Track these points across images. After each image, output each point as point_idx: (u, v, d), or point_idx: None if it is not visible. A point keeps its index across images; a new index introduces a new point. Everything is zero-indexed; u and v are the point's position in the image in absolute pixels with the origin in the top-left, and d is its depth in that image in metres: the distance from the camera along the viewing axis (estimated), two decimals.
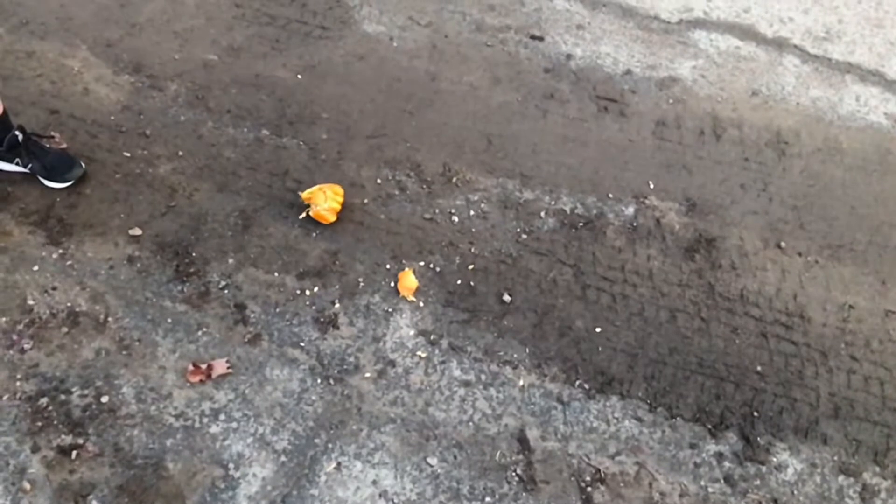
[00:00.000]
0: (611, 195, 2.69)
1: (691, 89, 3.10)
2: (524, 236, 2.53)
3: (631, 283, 2.45)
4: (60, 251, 2.32)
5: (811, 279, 2.52)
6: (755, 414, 2.20)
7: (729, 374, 2.28)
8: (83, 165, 2.49)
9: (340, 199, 2.46)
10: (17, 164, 2.42)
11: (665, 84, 3.10)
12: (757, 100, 3.08)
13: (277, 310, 2.27)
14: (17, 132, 2.37)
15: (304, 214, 2.46)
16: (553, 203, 2.64)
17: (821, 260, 2.58)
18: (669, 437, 2.14)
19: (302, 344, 2.20)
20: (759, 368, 2.30)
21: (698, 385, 2.25)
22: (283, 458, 1.98)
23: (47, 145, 2.48)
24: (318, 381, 2.14)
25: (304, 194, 2.43)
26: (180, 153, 2.61)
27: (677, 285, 2.47)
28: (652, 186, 2.74)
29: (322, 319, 2.26)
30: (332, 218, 2.45)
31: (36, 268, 2.28)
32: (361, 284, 2.36)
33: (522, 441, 2.09)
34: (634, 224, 2.61)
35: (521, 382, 2.20)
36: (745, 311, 2.43)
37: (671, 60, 3.21)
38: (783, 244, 2.61)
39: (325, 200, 2.41)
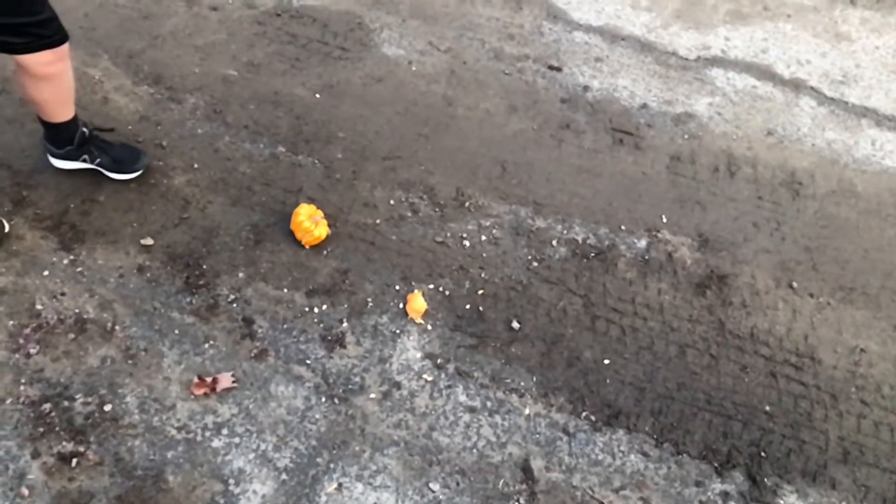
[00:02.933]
0: (623, 227, 2.68)
1: (707, 126, 3.11)
2: (535, 264, 2.53)
3: (641, 317, 2.43)
4: (71, 257, 2.32)
5: (822, 321, 2.50)
6: (763, 454, 2.18)
7: (737, 413, 2.25)
8: (147, 155, 2.57)
9: (301, 219, 2.41)
10: (85, 160, 2.46)
11: (681, 119, 3.11)
12: (772, 139, 3.08)
13: (285, 326, 2.26)
14: (84, 129, 2.41)
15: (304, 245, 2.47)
16: (565, 232, 2.63)
17: (833, 302, 2.56)
18: (675, 474, 2.11)
19: (308, 361, 2.19)
20: (767, 408, 2.27)
21: (706, 422, 2.23)
22: (284, 476, 1.96)
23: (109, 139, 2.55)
24: (323, 399, 2.12)
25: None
26: (196, 165, 2.62)
27: (687, 320, 2.45)
28: (665, 220, 2.73)
29: (329, 338, 2.25)
30: (323, 230, 2.42)
31: (46, 273, 2.27)
32: (370, 304, 2.35)
33: (526, 471, 2.06)
34: (646, 257, 2.60)
35: (526, 411, 2.18)
36: (754, 350, 2.41)
37: (688, 96, 3.22)
38: (795, 284, 2.60)
39: (300, 231, 2.41)
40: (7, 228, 2.31)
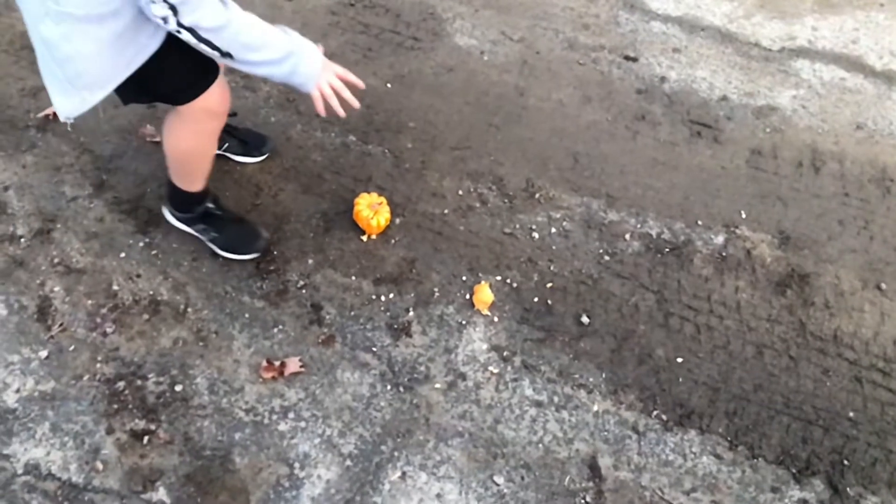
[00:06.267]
0: (700, 222, 2.59)
1: (790, 119, 2.97)
2: (606, 258, 2.46)
3: (717, 315, 2.34)
4: (147, 240, 2.37)
5: None
6: (845, 462, 2.06)
7: (818, 418, 2.15)
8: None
9: (360, 208, 2.41)
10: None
11: (763, 112, 2.99)
12: (861, 134, 2.93)
13: (352, 313, 2.26)
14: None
15: (366, 237, 2.45)
16: (639, 226, 2.56)
17: None
18: (750, 478, 2.02)
19: (374, 349, 2.18)
20: (851, 415, 2.16)
21: (783, 426, 2.13)
22: (348, 462, 1.95)
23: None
24: (388, 387, 2.11)
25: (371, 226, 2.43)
26: (268, 153, 2.65)
27: (766, 320, 2.35)
28: (744, 216, 2.63)
29: (395, 326, 2.24)
30: (384, 218, 2.41)
31: (123, 255, 2.33)
32: (436, 294, 2.33)
33: (594, 468, 2.01)
34: (723, 254, 2.51)
35: (595, 408, 2.12)
36: (838, 353, 2.29)
37: (770, 89, 3.09)
38: (884, 286, 2.46)
39: (362, 221, 2.41)
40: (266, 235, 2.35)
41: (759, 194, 2.71)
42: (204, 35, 1.64)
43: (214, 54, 1.69)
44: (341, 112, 1.90)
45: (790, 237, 2.58)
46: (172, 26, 1.61)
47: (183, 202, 2.27)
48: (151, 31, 1.70)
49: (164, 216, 2.37)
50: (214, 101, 1.89)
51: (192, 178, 2.18)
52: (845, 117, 2.99)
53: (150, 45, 1.72)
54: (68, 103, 1.73)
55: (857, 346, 2.31)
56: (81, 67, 1.67)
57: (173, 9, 1.56)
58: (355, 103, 1.92)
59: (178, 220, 2.34)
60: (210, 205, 2.30)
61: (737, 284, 2.43)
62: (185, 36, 1.63)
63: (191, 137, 2.01)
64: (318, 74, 1.83)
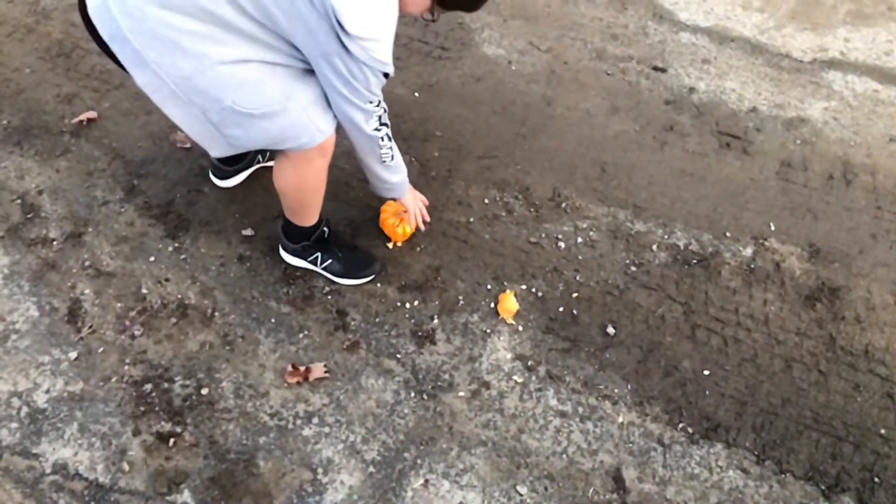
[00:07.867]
0: (728, 234, 2.57)
1: (821, 131, 2.94)
2: (633, 268, 2.45)
3: (745, 327, 2.32)
4: (176, 245, 2.40)
5: None
6: (876, 479, 2.03)
7: (848, 434, 2.11)
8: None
9: (386, 216, 2.43)
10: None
11: (793, 124, 2.96)
12: (895, 146, 2.89)
13: (377, 320, 2.26)
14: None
15: (392, 244, 2.47)
16: (666, 237, 2.54)
17: None
18: (777, 494, 1.99)
19: (398, 356, 2.19)
20: (882, 431, 2.12)
21: (812, 441, 2.09)
22: (371, 469, 1.96)
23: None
24: (412, 394, 2.11)
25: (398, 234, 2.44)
26: None
27: (795, 334, 2.32)
28: (773, 228, 2.60)
29: (420, 333, 2.24)
30: (409, 226, 2.42)
31: (152, 259, 2.36)
32: (461, 302, 2.33)
33: (618, 480, 1.99)
34: (752, 266, 2.48)
35: (620, 419, 2.11)
36: (869, 368, 2.25)
37: (801, 100, 3.06)
38: None
39: (388, 228, 2.43)
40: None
41: (788, 206, 2.68)
42: (390, 134, 2.00)
43: (387, 157, 2.05)
44: (423, 227, 2.40)
45: (820, 250, 2.54)
46: (384, 131, 1.96)
47: (299, 235, 2.28)
48: (302, 126, 1.85)
49: (281, 255, 2.38)
50: (326, 141, 1.95)
51: (307, 214, 2.21)
52: (878, 130, 2.95)
53: (299, 137, 1.87)
54: (224, 152, 1.95)
55: (889, 361, 2.27)
56: (244, 143, 1.88)
57: (385, 109, 1.92)
58: (427, 218, 2.41)
59: (292, 252, 2.33)
60: (325, 228, 2.29)
61: (765, 297, 2.40)
62: (384, 132, 1.96)
63: (303, 176, 2.04)
64: (407, 194, 2.29)
